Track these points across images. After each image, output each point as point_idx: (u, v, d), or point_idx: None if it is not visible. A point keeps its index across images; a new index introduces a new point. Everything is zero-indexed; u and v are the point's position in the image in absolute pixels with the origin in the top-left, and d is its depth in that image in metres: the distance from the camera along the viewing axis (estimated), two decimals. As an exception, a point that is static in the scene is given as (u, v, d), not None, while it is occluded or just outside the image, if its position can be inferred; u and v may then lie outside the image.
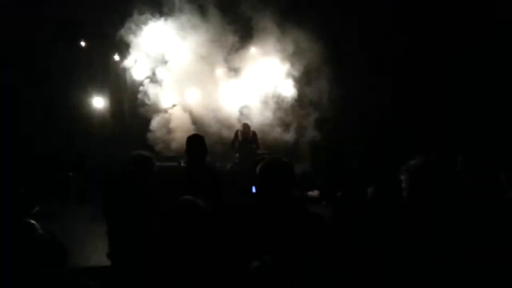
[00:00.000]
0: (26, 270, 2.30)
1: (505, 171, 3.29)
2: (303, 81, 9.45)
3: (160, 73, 9.20)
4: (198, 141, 4.41)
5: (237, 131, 8.55)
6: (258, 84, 9.41)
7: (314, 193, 8.00)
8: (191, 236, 2.43)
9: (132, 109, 9.38)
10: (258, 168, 2.81)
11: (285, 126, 9.47)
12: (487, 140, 7.21)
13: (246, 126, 8.47)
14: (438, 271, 2.50)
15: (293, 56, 9.32)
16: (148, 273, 2.47)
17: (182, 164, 7.31)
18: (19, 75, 8.28)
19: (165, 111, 9.27)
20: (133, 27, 8.80)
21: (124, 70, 9.17)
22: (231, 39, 9.10)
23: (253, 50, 9.40)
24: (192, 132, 8.67)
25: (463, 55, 8.29)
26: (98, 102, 9.16)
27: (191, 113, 9.31)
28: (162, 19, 9.04)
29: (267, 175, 2.82)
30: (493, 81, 8.10)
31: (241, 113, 9.11)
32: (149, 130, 9.15)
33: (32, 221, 2.54)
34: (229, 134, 8.91)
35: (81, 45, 9.20)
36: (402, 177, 2.83)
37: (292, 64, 9.36)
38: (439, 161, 2.85)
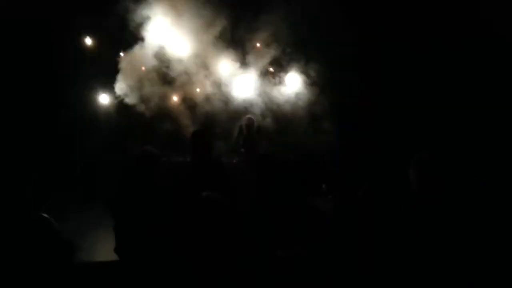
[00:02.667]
0: (42, 264, 2.34)
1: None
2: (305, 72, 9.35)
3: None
4: (204, 135, 4.39)
5: (240, 126, 8.51)
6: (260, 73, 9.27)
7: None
8: (215, 230, 2.46)
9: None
10: (260, 165, 2.84)
11: (290, 119, 9.41)
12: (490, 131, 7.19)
13: (250, 120, 8.42)
14: (448, 264, 2.50)
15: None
16: (158, 267, 2.50)
17: (189, 160, 7.31)
18: (23, 71, 8.37)
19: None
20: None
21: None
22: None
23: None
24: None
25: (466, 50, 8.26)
26: (104, 99, 9.18)
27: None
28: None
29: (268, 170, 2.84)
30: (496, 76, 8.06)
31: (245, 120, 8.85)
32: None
33: (46, 215, 2.58)
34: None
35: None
36: (410, 171, 2.83)
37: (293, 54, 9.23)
38: (446, 153, 2.84)
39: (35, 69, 8.45)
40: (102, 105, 9.13)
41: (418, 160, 2.82)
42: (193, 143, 4.33)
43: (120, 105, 9.10)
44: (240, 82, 9.05)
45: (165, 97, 9.00)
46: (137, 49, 8.49)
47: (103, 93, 9.04)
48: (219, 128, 9.07)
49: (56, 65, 8.54)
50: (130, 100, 8.70)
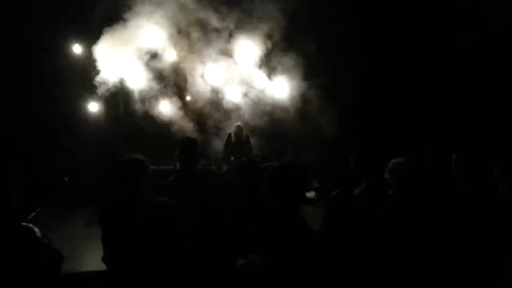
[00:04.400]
0: (25, 273, 2.31)
1: (498, 167, 3.32)
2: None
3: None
4: (191, 144, 4.43)
5: (229, 134, 8.53)
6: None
7: (311, 194, 8.02)
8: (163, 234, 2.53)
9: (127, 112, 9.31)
10: (270, 173, 2.83)
11: (276, 125, 9.40)
12: (480, 136, 7.26)
13: (239, 128, 8.43)
14: (427, 267, 2.54)
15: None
16: (146, 277, 2.50)
17: (178, 168, 7.28)
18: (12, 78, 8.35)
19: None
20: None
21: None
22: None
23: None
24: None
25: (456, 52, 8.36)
26: (93, 107, 9.14)
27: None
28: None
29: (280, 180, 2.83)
30: (487, 78, 8.16)
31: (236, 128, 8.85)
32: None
33: (30, 225, 2.56)
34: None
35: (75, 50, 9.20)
36: (387, 175, 2.87)
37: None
38: (425, 158, 2.89)
39: (19, 74, 8.44)
40: (90, 111, 9.11)
41: (395, 166, 2.86)
42: (180, 151, 4.37)
43: (108, 108, 9.09)
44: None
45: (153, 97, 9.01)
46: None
47: (91, 98, 9.01)
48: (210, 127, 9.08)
49: (42, 70, 8.53)
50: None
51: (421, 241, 2.59)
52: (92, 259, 4.81)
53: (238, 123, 8.58)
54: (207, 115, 9.18)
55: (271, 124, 9.23)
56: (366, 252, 2.62)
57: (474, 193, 3.04)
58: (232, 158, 8.34)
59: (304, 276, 2.43)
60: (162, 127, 8.89)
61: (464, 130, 7.70)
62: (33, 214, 5.83)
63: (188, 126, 8.93)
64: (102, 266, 3.73)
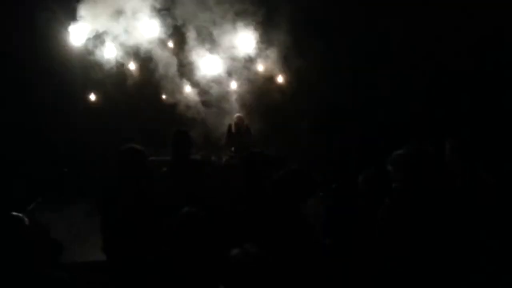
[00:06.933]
0: (17, 265, 2.29)
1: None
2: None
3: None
4: (183, 136, 4.46)
5: (230, 125, 8.51)
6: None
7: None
8: (192, 242, 2.53)
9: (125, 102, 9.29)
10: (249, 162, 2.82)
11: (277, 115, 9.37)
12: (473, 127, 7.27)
13: (240, 119, 8.41)
14: (429, 260, 2.53)
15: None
16: (145, 267, 2.49)
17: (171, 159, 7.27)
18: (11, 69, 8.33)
19: None
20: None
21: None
22: None
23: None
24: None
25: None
26: (92, 96, 9.11)
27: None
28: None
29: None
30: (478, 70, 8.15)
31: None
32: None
33: (21, 215, 2.52)
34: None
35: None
36: (390, 167, 2.84)
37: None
38: (430, 150, 2.86)
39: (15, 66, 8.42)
40: (89, 99, 9.09)
41: (399, 158, 2.84)
42: (173, 143, 4.40)
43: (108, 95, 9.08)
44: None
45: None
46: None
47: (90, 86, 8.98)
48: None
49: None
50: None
51: (428, 234, 2.57)
52: (91, 250, 4.81)
53: (238, 114, 8.57)
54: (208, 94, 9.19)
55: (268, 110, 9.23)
56: (371, 244, 2.61)
57: (468, 186, 3.01)
58: (233, 148, 8.32)
59: (301, 266, 2.43)
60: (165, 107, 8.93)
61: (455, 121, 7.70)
62: (33, 205, 5.83)
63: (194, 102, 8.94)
64: (101, 257, 3.74)
